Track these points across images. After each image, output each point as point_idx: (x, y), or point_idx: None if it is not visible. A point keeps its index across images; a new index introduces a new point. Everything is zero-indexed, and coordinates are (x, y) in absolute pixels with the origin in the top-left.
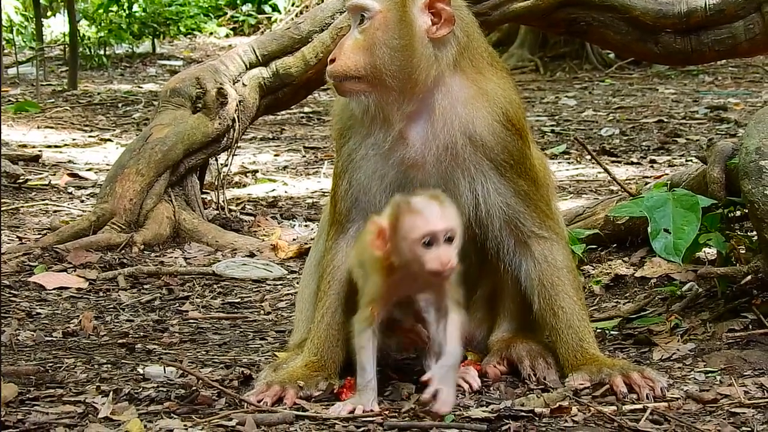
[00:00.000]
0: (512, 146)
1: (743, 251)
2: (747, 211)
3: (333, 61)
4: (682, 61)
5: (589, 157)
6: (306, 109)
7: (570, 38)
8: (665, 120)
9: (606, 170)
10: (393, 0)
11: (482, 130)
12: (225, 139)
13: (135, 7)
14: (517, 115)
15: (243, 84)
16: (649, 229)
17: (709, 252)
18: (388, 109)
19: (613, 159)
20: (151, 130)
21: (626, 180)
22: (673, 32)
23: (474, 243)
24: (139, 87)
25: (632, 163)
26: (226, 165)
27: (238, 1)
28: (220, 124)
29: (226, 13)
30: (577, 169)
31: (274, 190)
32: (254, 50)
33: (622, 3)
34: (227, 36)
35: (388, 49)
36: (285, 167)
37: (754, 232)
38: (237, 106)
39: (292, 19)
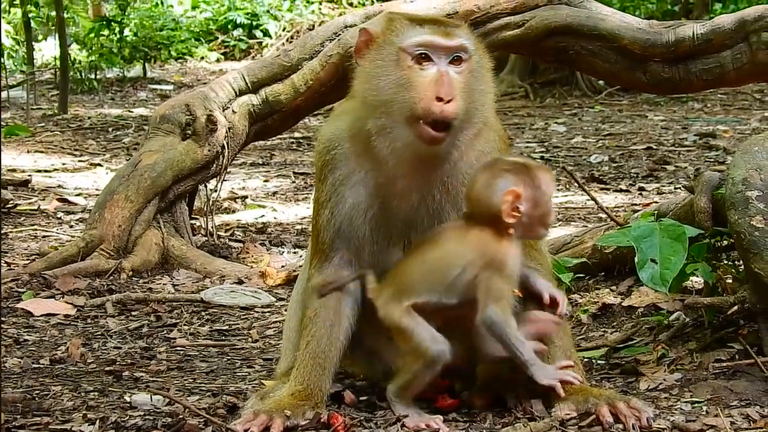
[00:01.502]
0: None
1: (730, 281)
2: (733, 241)
3: (446, 101)
4: (671, 90)
5: (578, 185)
6: (296, 135)
7: (559, 65)
8: (654, 147)
9: (593, 199)
10: (478, 46)
11: (475, 164)
12: (214, 165)
13: (126, 31)
14: (505, 145)
15: (232, 111)
16: (636, 259)
17: (697, 281)
18: (436, 151)
19: (602, 186)
20: (141, 156)
21: (615, 207)
22: (662, 61)
23: None
24: (130, 111)
25: (621, 191)
26: (216, 191)
27: (229, 26)
28: (209, 150)
29: (217, 38)
30: (566, 196)
31: (263, 215)
32: (244, 77)
33: (610, 32)
34: (218, 60)
35: (480, 96)
36: (274, 193)
37: (741, 263)
38: (226, 132)
39: (283, 44)
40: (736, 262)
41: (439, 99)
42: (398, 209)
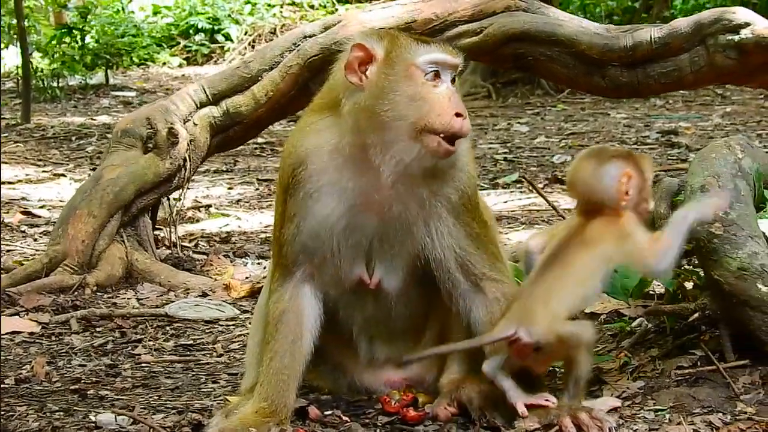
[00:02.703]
0: (466, 188)
1: (691, 288)
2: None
3: (462, 116)
4: (630, 94)
5: (541, 185)
6: (260, 140)
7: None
8: (617, 145)
9: (552, 206)
10: None
11: (443, 175)
12: (176, 178)
13: (88, 38)
14: (471, 155)
15: (194, 123)
16: None
17: (659, 287)
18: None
19: (564, 188)
20: (103, 171)
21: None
22: (620, 65)
23: (426, 285)
24: (93, 119)
25: None
26: (179, 200)
27: (191, 31)
28: (171, 163)
29: (179, 43)
30: (530, 198)
31: (227, 224)
32: (204, 90)
33: (568, 37)
34: (180, 66)
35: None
36: (238, 201)
37: (702, 269)
38: (188, 145)
39: (245, 47)
40: (696, 269)
41: (458, 115)
42: (370, 223)
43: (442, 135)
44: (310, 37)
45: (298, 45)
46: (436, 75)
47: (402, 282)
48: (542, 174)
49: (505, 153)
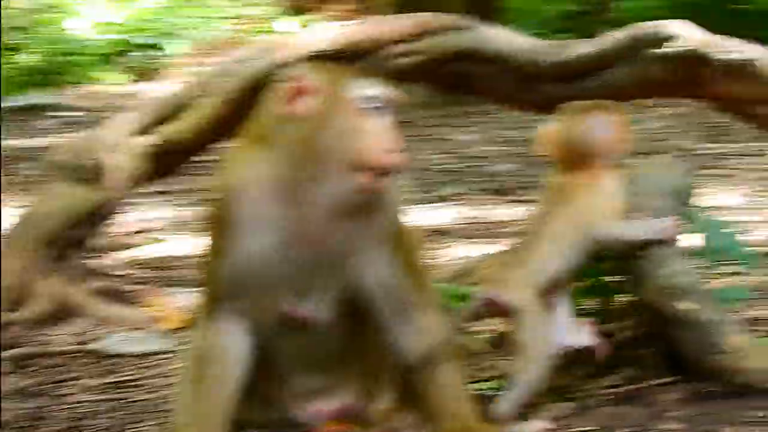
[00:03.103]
0: (395, 218)
1: (617, 306)
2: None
3: (396, 152)
4: None
5: (481, 197)
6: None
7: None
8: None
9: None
10: None
11: (374, 207)
12: (110, 208)
13: (27, 57)
14: (400, 183)
15: (127, 152)
16: None
17: (588, 306)
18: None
19: (506, 198)
20: (34, 204)
21: (519, 220)
22: (557, 81)
23: (356, 316)
24: (33, 141)
25: (525, 202)
26: (112, 230)
27: (134, 48)
28: (104, 194)
29: (123, 60)
30: (470, 211)
31: (164, 250)
32: (138, 116)
33: (506, 55)
34: (125, 83)
35: None
36: (176, 224)
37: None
38: (120, 174)
39: (190, 62)
40: (623, 287)
41: (392, 151)
42: (302, 257)
43: (374, 171)
44: (244, 61)
45: (233, 69)
46: (373, 110)
47: (332, 314)
48: (483, 184)
49: (446, 163)
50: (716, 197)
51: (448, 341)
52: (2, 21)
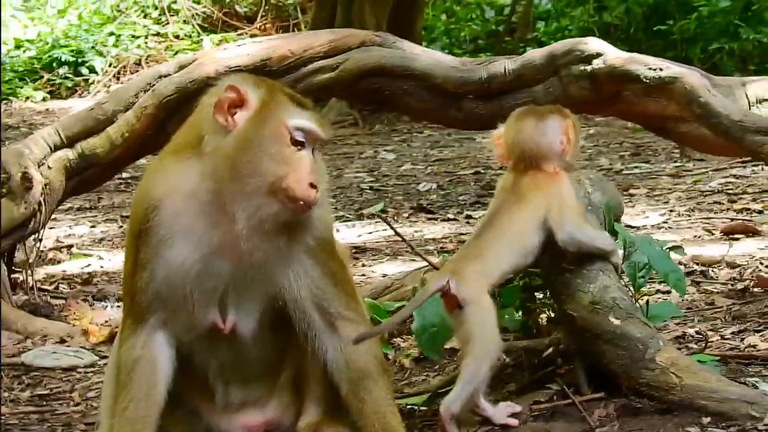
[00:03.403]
0: (323, 226)
1: (545, 322)
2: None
3: (316, 189)
4: (486, 126)
5: (407, 215)
6: (124, 175)
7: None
8: (482, 171)
9: (408, 244)
10: None
11: (300, 224)
12: (32, 223)
13: None
14: (326, 199)
15: (48, 167)
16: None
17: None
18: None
19: (430, 216)
20: None
21: (442, 238)
22: (476, 98)
23: (282, 327)
24: None
25: (448, 220)
26: (36, 244)
27: (54, 64)
28: (25, 208)
29: (43, 77)
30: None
31: (89, 265)
32: (58, 132)
33: (423, 71)
34: (44, 100)
35: (323, 179)
36: (101, 239)
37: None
38: (43, 189)
39: (110, 80)
40: (550, 303)
41: (312, 186)
42: (226, 269)
43: (292, 202)
44: (165, 76)
45: (153, 85)
46: (303, 142)
47: (257, 325)
48: (407, 203)
49: (371, 182)
50: (637, 217)
51: (377, 355)
52: None
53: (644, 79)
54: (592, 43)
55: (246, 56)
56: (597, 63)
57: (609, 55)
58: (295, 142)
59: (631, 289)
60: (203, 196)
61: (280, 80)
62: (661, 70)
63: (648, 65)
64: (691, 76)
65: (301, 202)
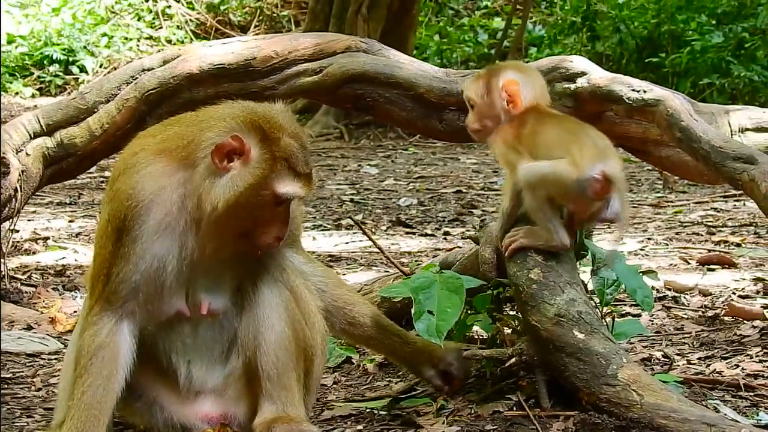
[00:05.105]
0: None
1: (509, 333)
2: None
3: (281, 239)
4: (467, 139)
5: (385, 227)
6: (107, 174)
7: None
8: (464, 190)
9: (379, 248)
10: None
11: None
12: (7, 209)
13: None
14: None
15: (26, 153)
16: (413, 310)
17: (482, 332)
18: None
19: (408, 231)
20: None
21: (418, 252)
22: (458, 110)
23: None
24: None
25: (426, 235)
26: (11, 230)
27: (45, 62)
28: (1, 194)
29: (33, 73)
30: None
31: (64, 257)
32: (39, 119)
33: (406, 80)
34: (33, 96)
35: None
36: (78, 234)
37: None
38: (20, 176)
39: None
40: (515, 314)
41: (279, 239)
42: (202, 264)
43: (259, 247)
44: (148, 70)
45: (136, 78)
46: (286, 201)
47: (228, 302)
48: (386, 216)
49: (352, 194)
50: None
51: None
52: None
53: (627, 100)
54: (577, 62)
55: (231, 55)
56: (581, 81)
57: (593, 74)
58: (279, 203)
59: (598, 304)
60: (188, 208)
61: (263, 81)
62: (644, 92)
63: (631, 86)
64: (674, 100)
65: (265, 248)
